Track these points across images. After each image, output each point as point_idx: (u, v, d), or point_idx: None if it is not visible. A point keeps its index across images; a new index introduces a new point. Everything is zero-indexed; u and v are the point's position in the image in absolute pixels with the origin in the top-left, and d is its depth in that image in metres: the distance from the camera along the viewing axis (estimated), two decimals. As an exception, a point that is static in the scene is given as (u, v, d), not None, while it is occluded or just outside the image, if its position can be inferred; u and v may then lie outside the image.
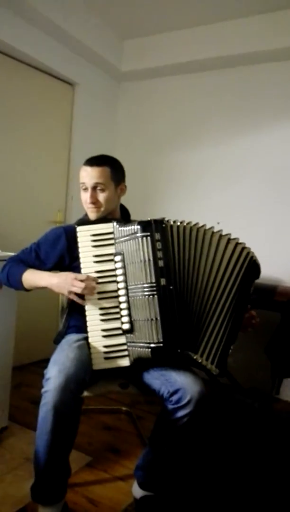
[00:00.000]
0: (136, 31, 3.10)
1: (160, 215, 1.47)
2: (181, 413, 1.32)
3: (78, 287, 1.38)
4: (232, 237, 1.45)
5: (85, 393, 1.44)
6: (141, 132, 3.39)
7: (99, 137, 3.31)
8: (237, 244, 1.44)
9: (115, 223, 1.47)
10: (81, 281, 1.39)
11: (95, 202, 1.52)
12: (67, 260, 1.55)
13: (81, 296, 1.41)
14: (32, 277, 1.50)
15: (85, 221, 1.56)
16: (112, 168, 1.55)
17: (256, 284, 1.52)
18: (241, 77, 2.95)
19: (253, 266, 1.46)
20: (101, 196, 1.53)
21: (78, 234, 1.47)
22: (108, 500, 1.56)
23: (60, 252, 1.55)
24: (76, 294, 1.41)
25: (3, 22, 2.44)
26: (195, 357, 1.34)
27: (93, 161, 1.53)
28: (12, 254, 1.85)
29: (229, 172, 2.99)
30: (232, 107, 2.99)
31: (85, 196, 1.54)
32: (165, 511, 1.48)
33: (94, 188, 1.52)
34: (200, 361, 1.35)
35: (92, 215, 1.56)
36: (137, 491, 1.53)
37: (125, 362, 1.40)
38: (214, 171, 3.05)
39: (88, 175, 1.52)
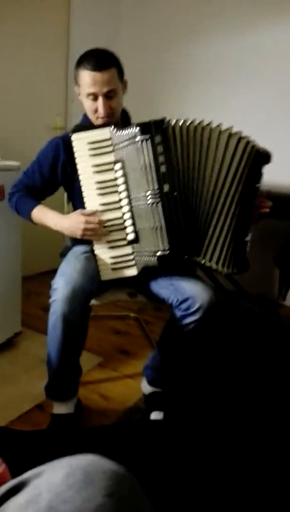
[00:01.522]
0: None
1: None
2: (189, 320, 1.35)
3: (91, 230, 1.33)
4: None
5: (94, 302, 1.47)
6: (147, 23, 3.03)
7: (100, 31, 2.97)
8: (240, 139, 1.30)
9: (112, 128, 1.35)
10: (90, 220, 1.33)
11: (108, 111, 1.39)
12: (69, 170, 1.47)
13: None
14: (41, 217, 1.43)
15: (81, 126, 1.44)
16: (117, 67, 1.39)
17: (267, 192, 1.45)
18: None
19: (256, 158, 1.33)
20: (114, 103, 1.39)
21: (74, 144, 1.36)
22: (119, 395, 1.68)
23: (62, 163, 1.47)
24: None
25: None
26: (202, 262, 1.33)
27: (99, 64, 1.34)
28: (13, 164, 1.78)
29: (247, 70, 2.71)
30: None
31: (94, 106, 1.39)
32: (171, 405, 1.59)
33: (105, 96, 1.37)
34: (208, 265, 1.34)
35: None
36: (146, 388, 1.63)
37: (133, 272, 1.40)
38: (229, 67, 2.76)
39: (98, 83, 1.35)
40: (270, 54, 2.63)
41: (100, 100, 1.38)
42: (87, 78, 1.36)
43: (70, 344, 1.34)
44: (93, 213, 1.35)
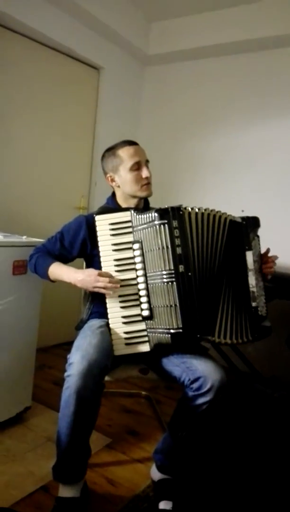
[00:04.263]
0: (164, 13, 3.04)
1: (184, 203, 1.47)
2: (201, 400, 1.34)
3: (102, 284, 1.40)
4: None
5: (106, 378, 1.47)
6: (166, 117, 3.35)
7: (123, 122, 3.30)
8: (220, 217, 1.46)
9: (132, 211, 1.48)
10: (102, 274, 1.41)
11: (150, 177, 1.59)
12: (89, 246, 1.57)
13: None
14: (58, 271, 1.52)
15: (106, 209, 1.58)
16: None
17: (276, 273, 1.51)
18: (269, 61, 2.87)
19: (231, 225, 1.47)
20: (150, 173, 1.60)
21: (97, 224, 1.48)
22: (127, 481, 1.60)
23: (82, 239, 1.58)
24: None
25: (28, 6, 2.44)
26: (213, 340, 1.37)
27: (133, 142, 1.61)
28: (38, 240, 1.89)
29: (255, 158, 2.93)
30: (260, 91, 2.91)
31: (139, 175, 1.58)
32: (182, 494, 1.51)
33: (145, 165, 1.59)
34: (218, 341, 1.38)
35: (145, 193, 1.60)
36: (156, 474, 1.56)
37: (145, 348, 1.42)
38: (241, 156, 2.99)
39: (139, 153, 1.59)
40: (274, 143, 2.85)
41: (144, 167, 1.58)
42: (131, 151, 1.58)
43: (82, 422, 1.32)
44: (106, 273, 1.43)
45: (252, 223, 1.50)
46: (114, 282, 1.42)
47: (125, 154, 1.57)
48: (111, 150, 1.62)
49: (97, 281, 1.40)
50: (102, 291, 1.43)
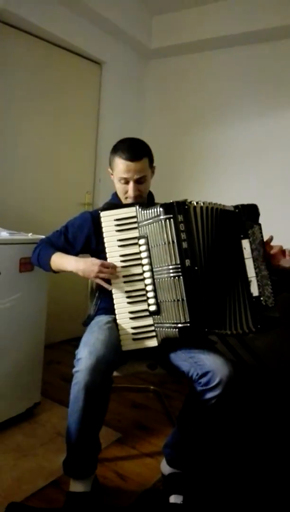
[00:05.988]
0: (166, 7, 3.03)
1: (189, 198, 1.46)
2: (209, 395, 1.33)
3: (105, 273, 1.41)
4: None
5: (114, 373, 1.47)
6: (169, 111, 3.33)
7: (127, 117, 3.29)
8: (216, 208, 1.42)
9: (138, 207, 1.47)
10: (107, 267, 1.42)
11: (137, 194, 1.55)
12: (94, 242, 1.58)
13: (107, 280, 1.44)
14: (60, 261, 1.54)
15: (111, 205, 1.57)
16: (149, 157, 1.57)
17: (282, 266, 1.49)
18: (272, 53, 2.85)
19: (222, 214, 1.43)
20: (143, 187, 1.56)
21: (102, 220, 1.48)
22: (137, 476, 1.61)
23: (87, 235, 1.58)
24: (102, 279, 1.44)
25: (29, 2, 2.43)
26: (224, 333, 1.36)
27: (132, 155, 1.51)
28: (41, 237, 1.89)
29: (261, 151, 2.91)
30: (263, 83, 2.89)
31: (125, 188, 1.56)
32: (192, 488, 1.51)
33: (136, 181, 1.54)
34: (230, 333, 1.37)
35: (128, 202, 1.58)
36: (165, 468, 1.56)
37: (153, 343, 1.42)
38: (245, 150, 2.97)
39: (131, 171, 1.52)
40: (283, 135, 2.83)
41: (131, 184, 1.54)
42: (121, 166, 1.52)
43: (91, 417, 1.33)
44: (110, 263, 1.44)
45: (248, 211, 1.46)
46: (115, 273, 1.43)
47: (117, 167, 1.54)
48: (114, 150, 1.58)
49: (100, 271, 1.41)
50: (102, 283, 1.44)
